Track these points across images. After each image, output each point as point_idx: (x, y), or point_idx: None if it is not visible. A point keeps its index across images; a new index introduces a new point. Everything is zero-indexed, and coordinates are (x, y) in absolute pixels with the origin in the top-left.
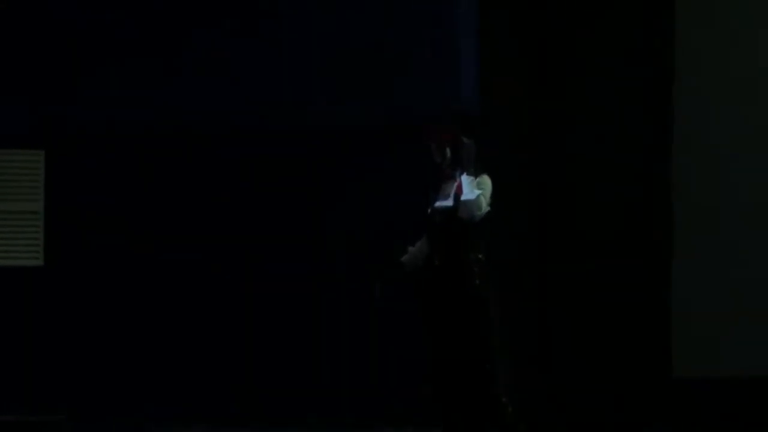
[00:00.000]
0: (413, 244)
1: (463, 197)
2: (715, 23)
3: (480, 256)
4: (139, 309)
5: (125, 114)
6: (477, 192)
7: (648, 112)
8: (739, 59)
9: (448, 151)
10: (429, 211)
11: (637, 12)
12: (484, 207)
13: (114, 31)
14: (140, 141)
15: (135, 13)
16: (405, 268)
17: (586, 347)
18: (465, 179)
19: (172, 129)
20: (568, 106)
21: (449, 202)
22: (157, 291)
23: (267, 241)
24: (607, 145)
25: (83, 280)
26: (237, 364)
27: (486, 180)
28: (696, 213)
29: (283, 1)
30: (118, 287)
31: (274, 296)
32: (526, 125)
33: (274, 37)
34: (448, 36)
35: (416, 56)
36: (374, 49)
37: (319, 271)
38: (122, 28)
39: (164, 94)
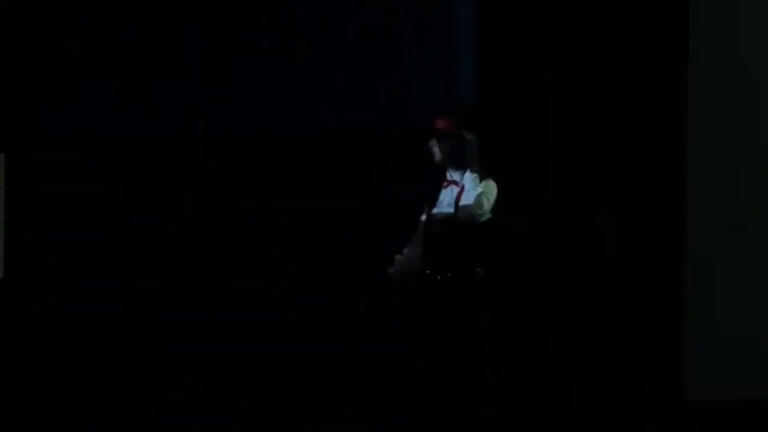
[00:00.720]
0: (401, 252)
1: (462, 201)
2: (730, 11)
3: (479, 269)
4: (108, 325)
5: (95, 115)
6: (478, 190)
7: (660, 103)
8: (756, 48)
9: (449, 144)
10: (425, 218)
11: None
12: (486, 207)
13: (86, 31)
14: (111, 144)
15: (110, 14)
16: (393, 280)
17: (591, 367)
18: (468, 177)
19: (144, 132)
20: (574, 100)
21: (450, 210)
22: (129, 305)
23: (246, 253)
24: (617, 140)
25: (47, 294)
26: (221, 379)
27: (491, 185)
28: (713, 216)
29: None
30: (85, 302)
31: (258, 322)
32: (528, 120)
33: (259, 37)
34: (445, 28)
35: (410, 50)
36: (365, 46)
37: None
38: (95, 27)
39: (138, 96)
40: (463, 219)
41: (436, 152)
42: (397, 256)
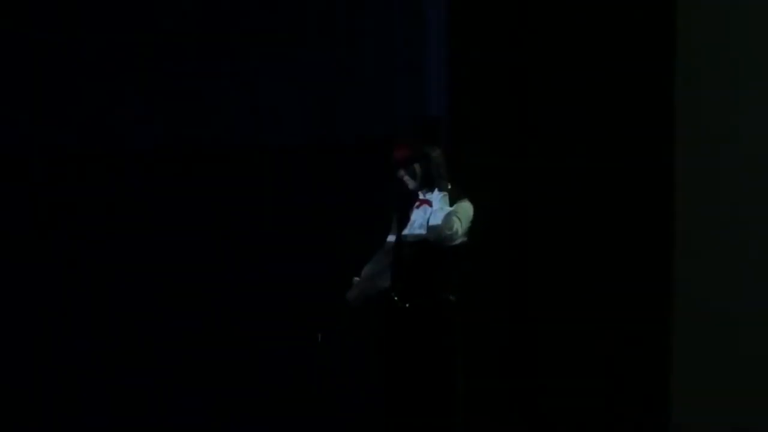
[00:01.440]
0: (358, 273)
1: (431, 221)
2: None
3: (451, 297)
4: (94, 334)
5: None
6: (446, 209)
7: (646, 109)
8: (745, 39)
9: (417, 168)
10: (394, 240)
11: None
12: (456, 228)
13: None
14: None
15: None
16: (352, 304)
17: (573, 395)
18: (436, 196)
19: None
20: (554, 109)
21: (422, 231)
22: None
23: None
24: (601, 150)
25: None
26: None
27: (465, 206)
28: (705, 222)
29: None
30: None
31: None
32: (502, 132)
33: (229, 50)
34: (414, 34)
35: (376, 61)
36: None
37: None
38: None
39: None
40: (430, 239)
41: (408, 180)
42: (356, 279)
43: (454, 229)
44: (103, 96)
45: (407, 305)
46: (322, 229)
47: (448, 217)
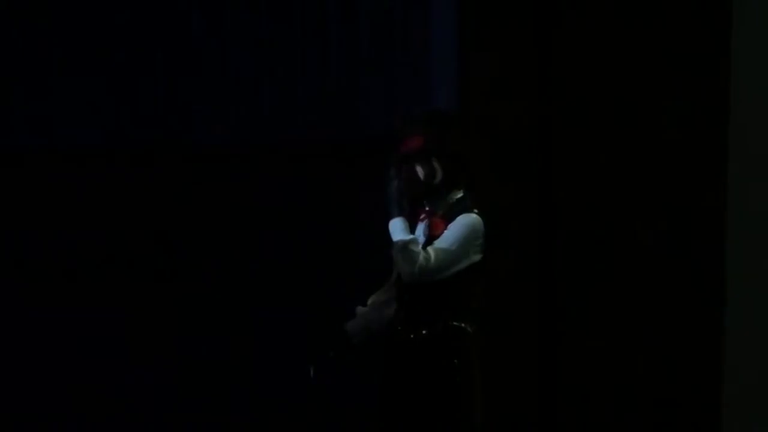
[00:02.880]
0: (364, 301)
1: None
2: None
3: (464, 325)
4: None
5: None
6: (409, 237)
7: (692, 106)
8: None
9: (420, 171)
10: None
11: None
12: (421, 263)
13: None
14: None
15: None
16: (352, 339)
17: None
18: (419, 227)
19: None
20: (582, 107)
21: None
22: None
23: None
24: (639, 151)
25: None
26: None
27: (467, 222)
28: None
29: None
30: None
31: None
32: (522, 133)
33: (227, 53)
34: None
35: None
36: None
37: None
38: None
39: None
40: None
41: (421, 173)
42: (360, 308)
43: (431, 267)
44: (103, 95)
45: (412, 336)
46: (323, 235)
47: (419, 254)
